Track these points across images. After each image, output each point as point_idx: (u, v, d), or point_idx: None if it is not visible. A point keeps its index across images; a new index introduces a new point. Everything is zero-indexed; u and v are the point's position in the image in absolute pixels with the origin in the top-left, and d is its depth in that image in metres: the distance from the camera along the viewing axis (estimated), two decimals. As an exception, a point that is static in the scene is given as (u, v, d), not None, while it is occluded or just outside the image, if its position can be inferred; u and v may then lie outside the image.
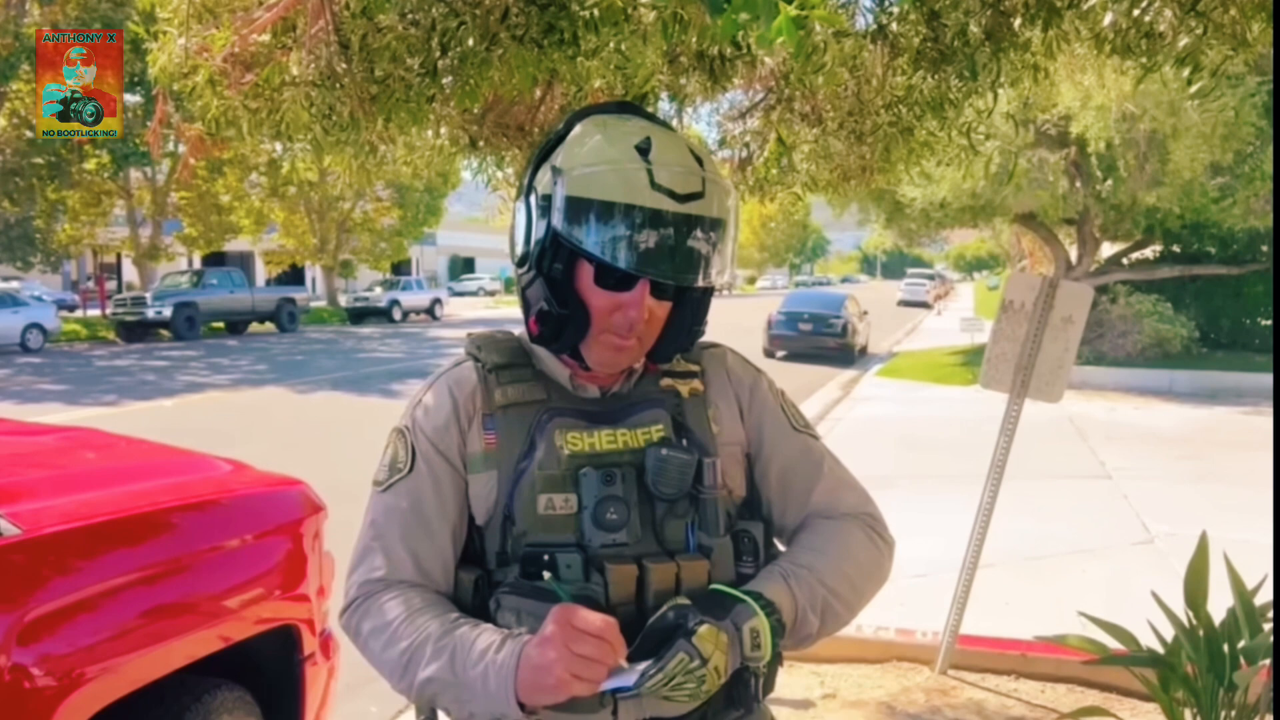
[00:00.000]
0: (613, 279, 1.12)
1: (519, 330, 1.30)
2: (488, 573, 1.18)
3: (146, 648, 1.99)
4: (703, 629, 1.02)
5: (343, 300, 33.02)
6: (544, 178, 1.15)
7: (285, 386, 13.89)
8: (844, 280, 77.32)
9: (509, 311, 35.39)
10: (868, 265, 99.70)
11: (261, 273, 37.15)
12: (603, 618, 1.02)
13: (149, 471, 2.51)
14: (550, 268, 1.14)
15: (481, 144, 2.84)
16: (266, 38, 2.37)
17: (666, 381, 1.24)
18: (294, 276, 37.77)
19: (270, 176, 28.33)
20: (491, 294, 51.21)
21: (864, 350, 19.49)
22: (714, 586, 1.12)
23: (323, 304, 33.28)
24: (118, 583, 1.98)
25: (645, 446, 1.17)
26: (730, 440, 1.25)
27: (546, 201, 1.13)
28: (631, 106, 1.25)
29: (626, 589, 1.11)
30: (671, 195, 1.09)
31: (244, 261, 34.11)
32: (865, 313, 20.12)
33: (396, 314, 30.37)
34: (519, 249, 1.19)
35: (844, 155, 2.60)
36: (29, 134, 20.62)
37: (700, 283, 1.15)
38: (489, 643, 1.06)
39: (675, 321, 1.20)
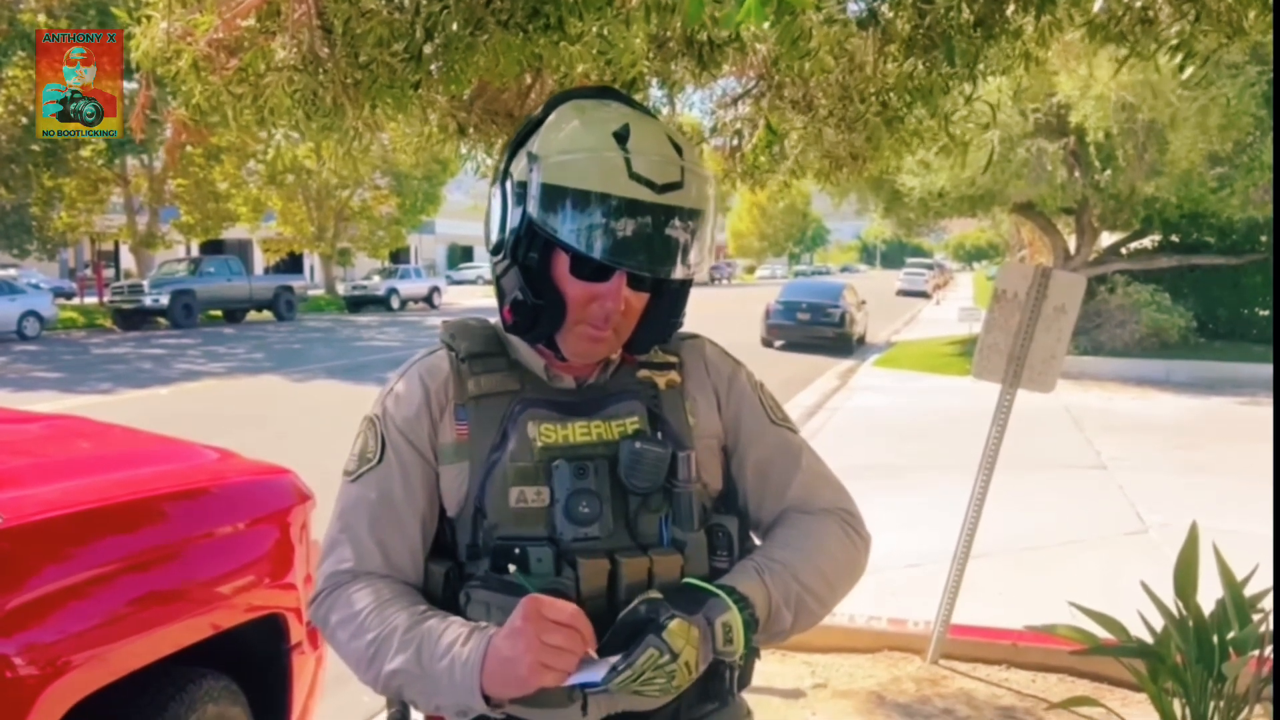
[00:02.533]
0: (589, 269, 1.11)
1: (494, 318, 1.29)
2: (459, 565, 1.17)
3: (128, 637, 1.98)
4: (673, 624, 1.01)
5: (341, 289, 32.96)
6: (520, 164, 1.13)
7: (281, 375, 13.87)
8: (843, 269, 77.06)
9: (507, 300, 35.21)
10: (867, 255, 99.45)
11: (259, 261, 37.02)
12: (571, 607, 1.01)
13: (134, 459, 2.50)
14: (525, 256, 1.12)
15: (470, 130, 2.82)
16: (251, 22, 2.35)
17: (643, 373, 1.23)
18: (292, 265, 37.69)
19: (268, 164, 28.22)
20: (490, 282, 51.08)
21: (862, 340, 19.46)
22: (687, 580, 1.11)
23: (321, 292, 33.24)
24: (100, 571, 1.97)
25: (619, 439, 1.15)
26: (707, 433, 1.24)
27: (522, 188, 1.11)
28: (612, 91, 1.23)
29: (598, 583, 1.10)
30: (649, 185, 1.07)
31: (242, 249, 34.01)
32: (863, 302, 20.08)
33: (395, 302, 30.33)
34: (494, 236, 1.17)
35: (834, 143, 2.58)
36: (25, 121, 20.53)
37: (678, 274, 1.13)
38: (455, 635, 1.05)
39: (653, 313, 1.18)
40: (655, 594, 1.07)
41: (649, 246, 1.08)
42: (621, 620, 1.05)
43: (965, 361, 14.23)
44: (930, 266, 51.47)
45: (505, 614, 1.05)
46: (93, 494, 2.09)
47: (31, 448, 2.55)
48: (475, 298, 37.23)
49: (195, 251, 31.93)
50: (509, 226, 1.14)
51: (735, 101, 2.75)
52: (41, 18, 19.83)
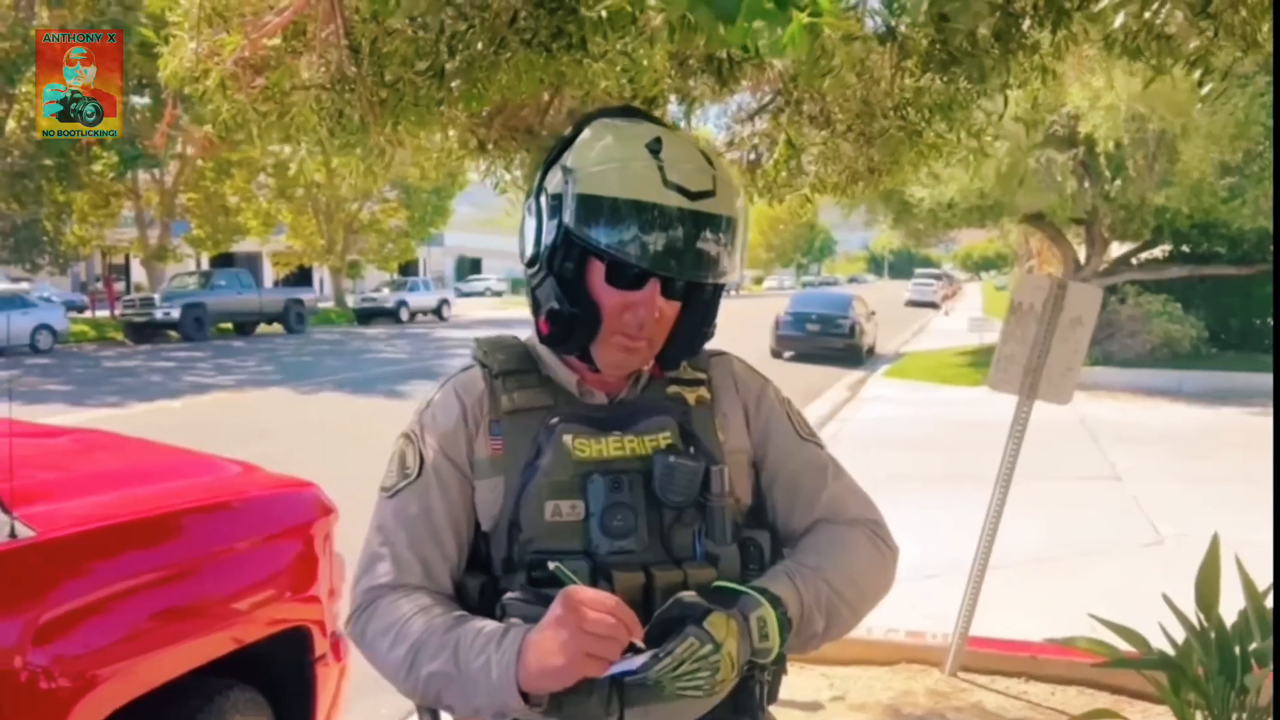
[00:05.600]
0: (624, 278, 1.13)
1: (526, 335, 1.31)
2: (493, 579, 1.18)
3: (159, 649, 2.01)
4: (712, 615, 1.03)
5: (350, 301, 33.10)
6: (554, 178, 1.16)
7: (290, 388, 13.92)
8: (851, 280, 76.92)
9: (516, 313, 35.36)
10: (875, 265, 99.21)
11: (269, 274, 37.18)
12: (612, 596, 1.02)
13: (161, 473, 2.53)
14: (561, 267, 1.15)
15: (490, 147, 2.84)
16: (276, 41, 2.38)
17: (673, 389, 1.25)
18: (301, 278, 37.79)
19: (278, 178, 28.40)
20: (498, 294, 51.28)
21: (871, 351, 19.46)
22: (718, 583, 1.12)
23: (330, 305, 33.36)
24: (130, 585, 1.99)
25: (652, 454, 1.16)
26: (736, 448, 1.25)
27: (557, 201, 1.14)
28: (639, 111, 1.26)
29: (633, 596, 1.11)
30: (683, 192, 1.10)
31: (251, 263, 34.19)
32: (873, 313, 20.08)
33: (404, 315, 30.42)
34: (529, 249, 1.20)
35: (852, 158, 2.60)
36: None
37: (711, 280, 1.15)
38: (491, 634, 1.07)
39: (684, 322, 1.20)
40: (690, 594, 1.08)
41: (683, 253, 1.10)
42: (657, 618, 1.05)
43: (976, 372, 14.22)
44: (938, 277, 51.50)
45: None
46: (122, 508, 2.11)
47: (59, 462, 2.57)
48: (484, 309, 37.34)
49: (205, 265, 32.07)
50: (544, 238, 1.16)
51: (752, 117, 2.77)
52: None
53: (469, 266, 59.41)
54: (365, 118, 2.15)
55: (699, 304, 1.20)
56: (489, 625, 1.09)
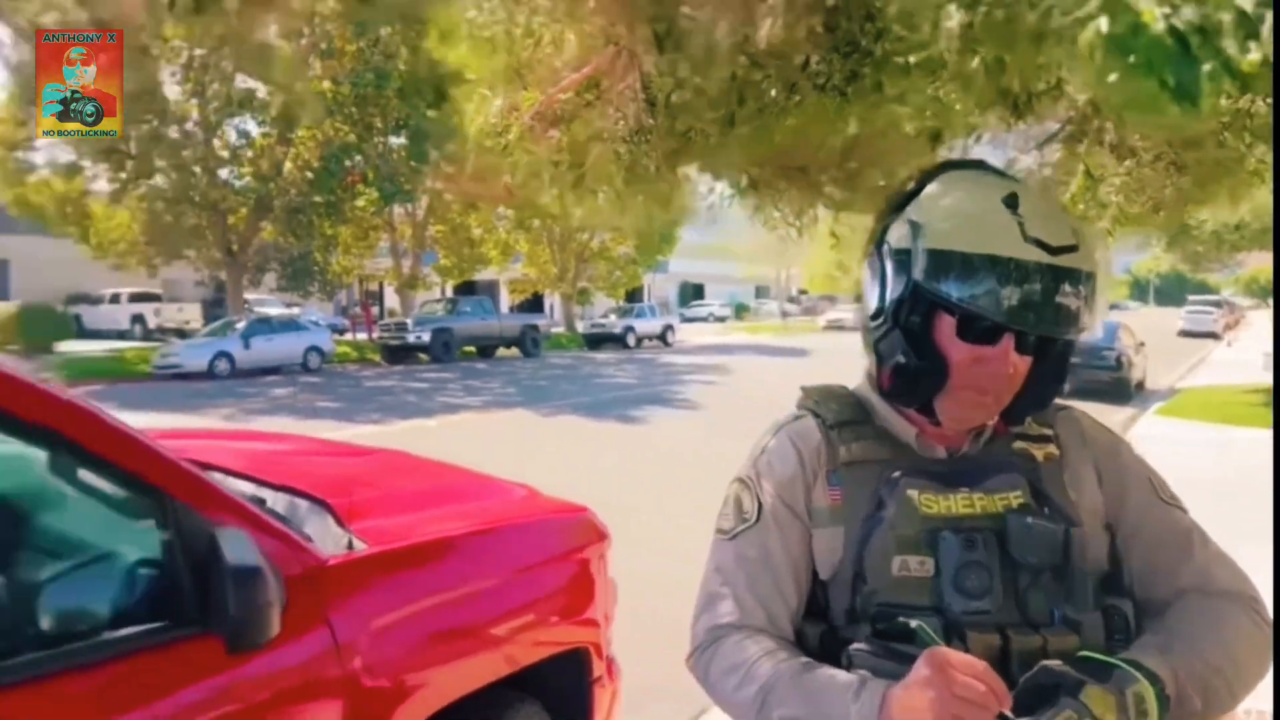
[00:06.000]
0: (975, 332, 1.11)
1: (854, 384, 1.31)
2: (833, 628, 1.18)
3: (465, 659, 2.16)
4: (1090, 688, 0.98)
5: (580, 327, 34.53)
6: (898, 232, 1.16)
7: (531, 410, 14.66)
8: (1112, 307, 69.65)
9: (739, 338, 35.56)
10: (1139, 290, 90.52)
11: (505, 300, 39.54)
12: (981, 662, 0.99)
13: (458, 494, 2.73)
14: (907, 320, 1.15)
15: (761, 185, 2.89)
16: (569, 95, 2.55)
17: (1019, 445, 1.21)
18: (534, 304, 39.94)
19: (517, 211, 30.24)
20: (721, 320, 51.72)
21: (1141, 386, 17.74)
22: (1085, 653, 1.06)
23: (561, 330, 35.00)
24: (442, 599, 2.16)
25: (1004, 513, 1.13)
26: (1090, 508, 1.19)
27: (904, 255, 1.14)
28: (987, 164, 1.25)
29: (989, 659, 1.07)
30: (1044, 247, 1.08)
31: (490, 289, 36.49)
32: (1142, 344, 18.33)
33: (631, 340, 31.34)
34: (873, 303, 1.21)
35: (1158, 187, 2.42)
36: (310, 175, 23.13)
37: (1069, 336, 1.12)
38: (846, 685, 1.06)
39: (1034, 377, 1.17)
40: (1057, 662, 1.03)
41: (1041, 307, 1.08)
42: (1024, 685, 1.01)
43: (1270, 412, 12.64)
44: (1218, 304, 45.64)
45: (894, 680, 1.04)
46: (432, 526, 2.30)
47: (371, 480, 2.84)
48: (707, 335, 37.76)
49: (449, 292, 34.57)
50: (889, 293, 1.17)
51: (1041, 145, 2.64)
52: (326, 84, 22.24)
53: (692, 292, 60.41)
54: (659, 166, 2.25)
55: (1050, 358, 1.17)
56: (841, 675, 1.09)
